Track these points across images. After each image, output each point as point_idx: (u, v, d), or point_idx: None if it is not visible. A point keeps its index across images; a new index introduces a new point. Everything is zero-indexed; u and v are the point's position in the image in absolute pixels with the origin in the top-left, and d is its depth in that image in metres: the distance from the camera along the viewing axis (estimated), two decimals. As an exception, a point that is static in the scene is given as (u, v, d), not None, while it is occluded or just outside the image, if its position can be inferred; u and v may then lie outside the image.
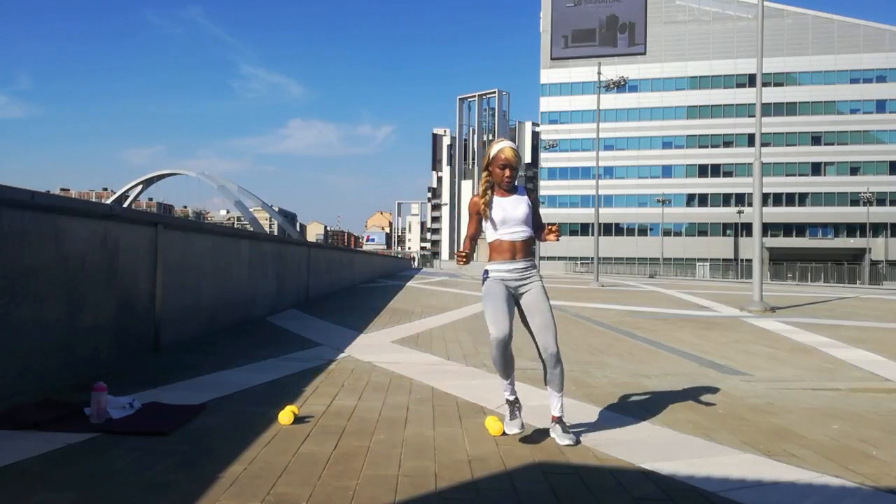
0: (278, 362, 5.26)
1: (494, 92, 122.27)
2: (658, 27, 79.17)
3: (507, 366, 3.26)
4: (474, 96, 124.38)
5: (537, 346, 3.27)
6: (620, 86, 37.32)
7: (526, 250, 3.28)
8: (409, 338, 7.15)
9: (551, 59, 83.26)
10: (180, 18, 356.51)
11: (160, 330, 5.53)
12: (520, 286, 3.26)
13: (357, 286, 19.48)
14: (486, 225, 3.28)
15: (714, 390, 4.53)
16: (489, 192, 3.27)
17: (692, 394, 4.37)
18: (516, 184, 3.31)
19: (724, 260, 69.92)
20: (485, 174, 3.29)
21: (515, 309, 3.28)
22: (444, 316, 10.08)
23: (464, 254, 3.26)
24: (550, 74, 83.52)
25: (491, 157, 3.25)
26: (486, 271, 3.28)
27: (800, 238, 74.41)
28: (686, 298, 16.86)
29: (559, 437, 3.11)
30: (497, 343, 3.19)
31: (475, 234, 3.36)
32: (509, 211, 3.24)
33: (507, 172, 3.21)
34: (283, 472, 2.54)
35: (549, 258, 75.32)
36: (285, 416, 3.26)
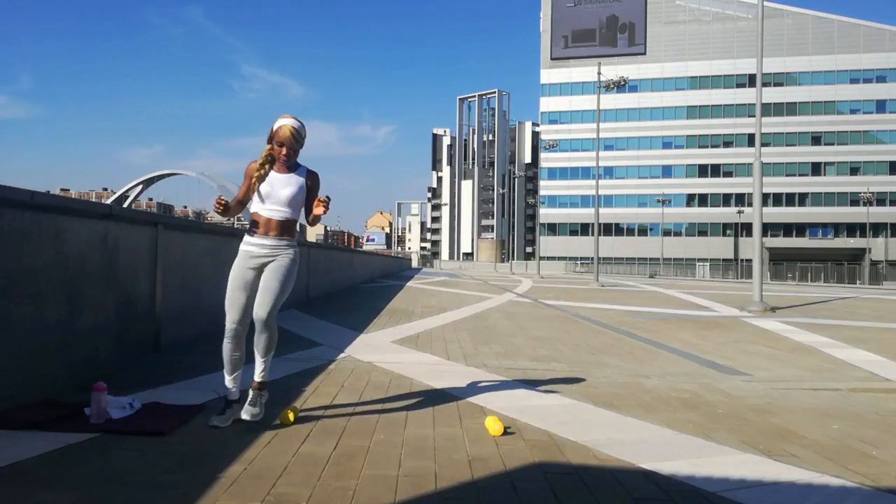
0: (278, 362, 5.23)
1: (494, 92, 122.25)
2: (658, 27, 79.17)
3: (234, 358, 3.34)
4: (474, 96, 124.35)
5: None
6: (620, 86, 37.24)
7: (280, 229, 3.31)
8: (409, 338, 7.15)
9: (551, 59, 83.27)
10: (180, 18, 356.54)
11: (160, 330, 5.53)
12: (266, 262, 3.31)
13: (357, 286, 19.48)
14: (254, 195, 3.31)
15: (714, 390, 4.53)
16: (267, 165, 3.30)
17: (692, 394, 4.37)
18: (300, 164, 3.38)
19: (724, 260, 69.96)
20: (268, 147, 3.31)
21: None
22: (444, 316, 10.07)
23: (222, 203, 3.24)
24: (550, 74, 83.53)
25: (274, 130, 3.28)
26: (243, 240, 3.35)
27: (800, 238, 74.41)
28: (686, 298, 16.86)
29: (244, 412, 3.22)
30: (228, 332, 3.30)
31: (243, 199, 3.37)
32: (277, 189, 3.29)
33: (284, 150, 3.26)
34: (283, 473, 2.53)
35: (549, 258, 75.36)
36: (285, 416, 3.26)
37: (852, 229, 72.71)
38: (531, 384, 4.56)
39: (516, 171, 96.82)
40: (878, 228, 71.06)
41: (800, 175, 74.58)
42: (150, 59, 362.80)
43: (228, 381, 3.33)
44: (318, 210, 3.28)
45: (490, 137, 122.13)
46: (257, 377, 3.35)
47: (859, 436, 3.36)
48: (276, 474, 2.51)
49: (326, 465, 2.66)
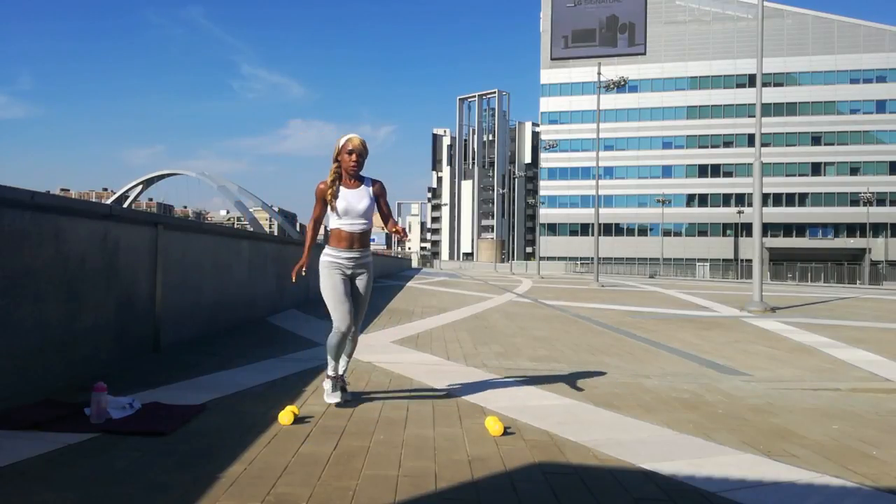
0: (278, 362, 5.26)
1: (494, 92, 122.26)
2: (658, 27, 79.17)
3: (340, 350, 3.73)
4: (474, 96, 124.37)
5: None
6: (620, 86, 37.21)
7: (363, 240, 3.67)
8: (409, 338, 7.15)
9: (551, 59, 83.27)
10: (180, 18, 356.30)
11: (160, 330, 5.53)
12: (354, 273, 3.69)
13: (357, 286, 19.46)
14: (329, 212, 3.63)
15: (714, 390, 4.53)
16: (337, 181, 3.61)
17: (692, 394, 4.37)
18: (364, 175, 3.67)
19: (724, 260, 69.95)
20: (334, 165, 3.62)
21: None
22: (444, 316, 10.07)
23: (302, 271, 3.71)
24: (550, 75, 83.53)
25: (340, 145, 3.59)
26: (326, 254, 3.66)
27: (800, 238, 74.40)
28: (686, 298, 16.86)
29: (328, 396, 3.72)
30: (340, 334, 3.65)
31: (319, 218, 3.75)
32: (353, 203, 3.59)
33: (354, 157, 3.57)
34: (283, 473, 2.53)
35: (549, 258, 75.37)
36: (285, 416, 3.26)
37: (852, 229, 72.70)
38: (531, 384, 4.56)
39: (516, 171, 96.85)
40: (878, 228, 71.05)
41: (800, 175, 74.57)
42: (150, 59, 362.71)
43: (332, 366, 3.75)
44: (393, 230, 3.58)
45: (490, 137, 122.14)
46: (343, 371, 3.82)
47: (859, 436, 3.36)
48: (276, 474, 2.51)
49: (326, 465, 2.66)
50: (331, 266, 3.63)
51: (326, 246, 3.67)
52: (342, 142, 3.59)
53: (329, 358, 3.74)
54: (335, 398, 3.69)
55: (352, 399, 3.80)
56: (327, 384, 3.76)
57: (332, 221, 3.63)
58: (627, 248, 78.08)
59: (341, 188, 3.60)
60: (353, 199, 3.59)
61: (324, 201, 3.62)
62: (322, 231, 3.87)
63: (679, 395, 4.34)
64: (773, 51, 65.62)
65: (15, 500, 2.21)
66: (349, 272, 3.66)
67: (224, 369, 4.81)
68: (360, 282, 3.70)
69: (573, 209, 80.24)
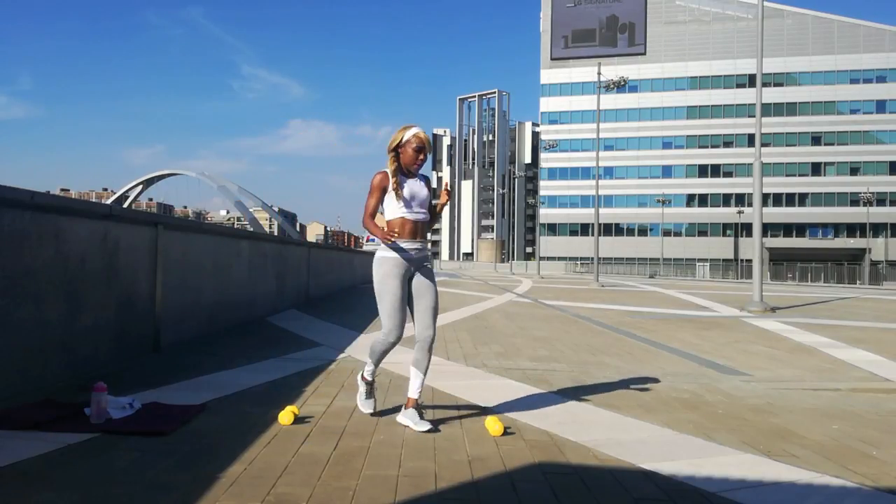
0: (278, 362, 5.26)
1: (494, 92, 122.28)
2: (658, 27, 79.17)
3: (383, 357, 3.52)
4: (474, 96, 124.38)
5: (415, 326, 3.41)
6: (620, 86, 37.22)
7: (424, 232, 3.39)
8: (409, 338, 7.13)
9: (551, 59, 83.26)
10: (180, 19, 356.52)
11: (160, 330, 5.53)
12: (417, 268, 3.38)
13: (357, 286, 19.49)
14: (389, 202, 3.34)
15: (714, 390, 4.53)
16: (399, 172, 3.37)
17: (692, 394, 4.37)
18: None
19: (724, 260, 69.93)
20: (392, 155, 3.37)
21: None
22: (444, 316, 10.07)
23: (394, 233, 3.26)
24: (550, 75, 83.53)
25: (403, 139, 3.34)
26: (383, 248, 3.34)
27: (800, 238, 74.41)
28: (686, 298, 16.86)
29: (416, 425, 3.25)
30: (389, 344, 3.40)
31: (374, 212, 3.39)
32: (415, 191, 3.36)
33: (421, 155, 3.35)
34: (283, 473, 2.53)
35: (549, 258, 75.38)
36: (285, 416, 3.26)
37: (852, 229, 72.70)
38: (531, 384, 4.56)
39: (516, 171, 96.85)
40: (878, 228, 71.05)
41: (800, 175, 74.57)
42: (151, 60, 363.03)
43: (371, 369, 3.54)
44: (443, 199, 3.37)
45: (490, 137, 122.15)
46: (415, 395, 3.36)
47: (859, 436, 3.36)
48: (276, 474, 2.51)
49: (326, 465, 2.66)
50: (391, 263, 3.30)
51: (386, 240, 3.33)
52: (407, 135, 3.32)
53: (369, 360, 3.50)
54: (369, 407, 3.48)
55: (431, 428, 3.24)
56: (362, 387, 3.53)
57: (393, 211, 3.31)
58: (627, 248, 78.07)
59: (406, 178, 3.37)
60: (416, 186, 3.35)
61: (382, 192, 3.32)
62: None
63: (679, 395, 4.34)
64: (773, 51, 65.61)
65: (15, 500, 2.21)
66: (412, 267, 3.34)
67: (224, 369, 4.81)
68: (427, 274, 3.38)
69: (573, 209, 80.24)
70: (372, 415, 3.49)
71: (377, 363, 3.53)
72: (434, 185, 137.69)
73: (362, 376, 3.55)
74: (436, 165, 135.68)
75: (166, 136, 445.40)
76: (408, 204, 3.31)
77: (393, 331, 3.33)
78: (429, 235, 3.47)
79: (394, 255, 3.31)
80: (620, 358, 6.08)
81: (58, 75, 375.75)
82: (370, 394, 3.54)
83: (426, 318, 3.35)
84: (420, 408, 3.36)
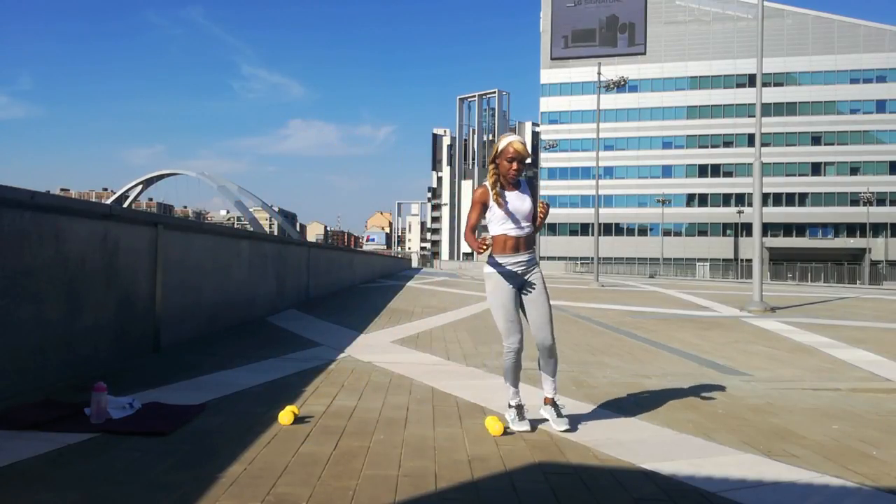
0: (278, 362, 5.26)
1: (494, 92, 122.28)
2: (658, 27, 79.15)
3: (517, 372, 3.41)
4: (474, 96, 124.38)
5: (535, 336, 3.41)
6: (620, 86, 37.28)
7: (528, 244, 3.37)
8: (409, 338, 7.15)
9: (551, 59, 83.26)
10: (181, 19, 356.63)
11: (160, 330, 5.53)
12: (524, 280, 3.36)
13: (357, 286, 19.48)
14: (491, 217, 3.34)
15: (714, 390, 4.53)
16: (498, 185, 3.32)
17: (692, 394, 4.37)
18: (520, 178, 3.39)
19: (724, 260, 69.91)
20: (492, 167, 3.35)
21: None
22: (444, 316, 10.07)
23: (485, 245, 3.25)
24: (550, 74, 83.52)
25: (499, 149, 3.31)
26: (492, 264, 3.36)
27: (800, 238, 74.40)
28: (686, 298, 16.85)
29: (554, 422, 3.31)
30: (512, 353, 3.37)
31: (475, 225, 3.39)
32: (517, 205, 3.32)
33: (515, 165, 3.29)
34: (283, 473, 2.53)
35: (549, 258, 75.35)
36: (285, 416, 3.26)
37: (852, 229, 72.69)
38: (531, 384, 4.56)
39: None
40: (878, 228, 71.04)
41: (800, 175, 74.56)
42: (151, 60, 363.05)
43: (512, 392, 3.41)
44: (541, 210, 3.37)
45: (490, 137, 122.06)
46: (549, 393, 3.44)
47: (859, 436, 3.36)
48: (276, 474, 2.51)
49: (326, 465, 2.66)
50: (499, 277, 3.33)
51: (491, 256, 3.36)
52: (502, 145, 3.31)
53: (507, 384, 3.40)
54: (523, 426, 3.30)
55: (569, 428, 3.30)
56: (510, 414, 3.38)
57: (495, 227, 3.34)
58: (627, 248, 78.06)
59: (504, 192, 3.32)
60: (517, 201, 3.31)
61: (483, 206, 3.32)
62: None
63: (679, 395, 4.34)
64: (773, 51, 65.58)
65: (15, 500, 2.21)
66: (521, 279, 3.35)
67: (224, 369, 4.81)
68: (536, 282, 3.36)
69: (573, 209, 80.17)
70: (524, 432, 3.29)
71: (513, 383, 3.40)
72: (434, 185, 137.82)
73: (508, 404, 3.42)
74: (436, 165, 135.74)
75: (166, 136, 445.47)
76: (510, 219, 3.31)
77: (508, 337, 3.36)
78: (534, 245, 3.45)
79: (501, 269, 3.35)
80: (620, 358, 6.08)
81: (58, 75, 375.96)
82: (521, 416, 3.36)
83: (539, 326, 3.37)
84: (557, 407, 3.40)
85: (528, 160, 3.35)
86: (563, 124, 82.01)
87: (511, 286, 3.35)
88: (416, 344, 6.67)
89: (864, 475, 2.69)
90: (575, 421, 3.44)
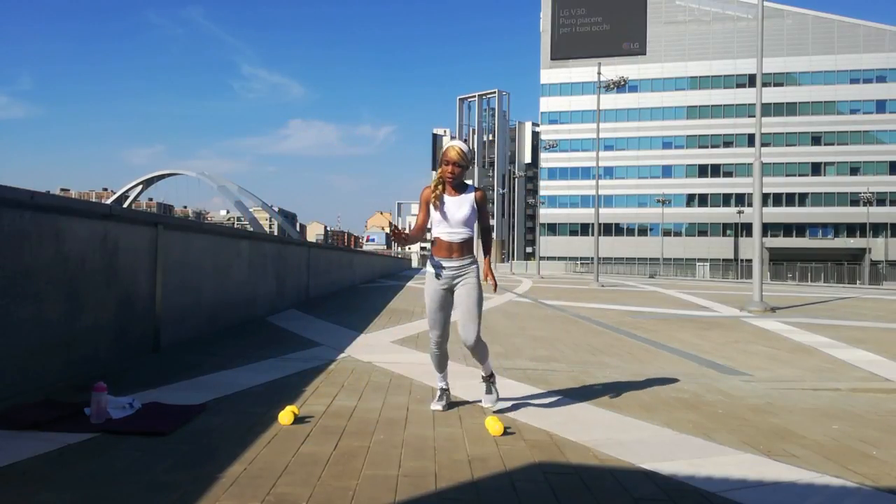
0: (278, 362, 5.25)
1: (494, 92, 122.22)
2: (658, 27, 79.16)
3: (441, 362, 3.75)
4: (474, 96, 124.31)
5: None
6: (620, 86, 37.24)
7: (462, 249, 3.56)
8: (409, 338, 7.15)
9: (551, 59, 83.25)
10: (181, 19, 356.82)
11: (160, 330, 5.53)
12: (455, 282, 3.57)
13: (357, 286, 19.49)
14: (432, 218, 3.55)
15: (714, 390, 4.53)
16: (440, 187, 3.52)
17: (692, 394, 4.37)
18: (468, 183, 3.60)
19: (724, 260, 69.94)
20: (438, 170, 3.57)
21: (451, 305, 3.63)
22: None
23: (403, 235, 3.44)
24: (550, 75, 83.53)
25: (442, 152, 3.55)
26: (431, 263, 3.61)
27: (800, 238, 74.41)
28: (686, 298, 16.85)
29: (483, 399, 3.79)
30: (433, 346, 3.70)
31: (422, 224, 3.60)
32: (452, 212, 3.51)
33: (450, 168, 3.49)
34: (283, 473, 2.53)
35: (549, 258, 75.39)
36: (285, 416, 3.26)
37: (852, 229, 72.71)
38: (531, 384, 4.57)
39: (516, 171, 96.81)
40: (878, 228, 71.05)
41: (800, 175, 74.57)
42: (151, 60, 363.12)
43: (438, 377, 3.78)
44: (488, 276, 3.68)
45: (490, 137, 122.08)
46: (483, 373, 3.80)
47: (859, 436, 3.36)
48: (276, 474, 2.51)
49: (326, 465, 2.66)
50: (431, 276, 3.58)
51: (431, 255, 3.63)
52: (443, 149, 3.56)
53: (434, 370, 3.80)
54: (437, 405, 3.71)
55: (495, 399, 3.78)
56: (435, 395, 3.84)
57: (434, 228, 3.58)
58: (627, 248, 78.07)
59: (444, 196, 3.52)
60: (453, 206, 3.50)
61: (427, 206, 3.55)
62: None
63: (679, 395, 4.34)
64: (773, 51, 65.60)
65: (15, 500, 2.21)
66: (451, 282, 3.56)
67: (224, 369, 4.81)
68: (463, 288, 3.55)
69: (573, 209, 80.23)
70: (435, 410, 3.68)
71: (437, 369, 3.77)
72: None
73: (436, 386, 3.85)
74: (436, 165, 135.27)
75: (166, 136, 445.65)
76: (444, 222, 3.52)
77: (430, 331, 3.66)
78: (470, 251, 3.60)
79: (432, 270, 3.58)
80: (620, 358, 6.08)
81: (58, 75, 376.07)
82: (439, 398, 3.77)
83: (461, 325, 3.54)
84: (490, 384, 3.79)
85: (466, 166, 3.51)
86: (563, 124, 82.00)
87: (439, 285, 3.56)
88: (416, 344, 6.67)
89: (864, 475, 2.69)
90: (574, 420, 3.44)
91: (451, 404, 3.78)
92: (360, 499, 2.29)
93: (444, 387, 3.78)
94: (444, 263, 3.53)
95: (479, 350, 3.62)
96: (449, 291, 3.57)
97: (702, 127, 77.57)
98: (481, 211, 3.58)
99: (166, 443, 2.90)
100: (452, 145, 3.54)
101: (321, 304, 11.69)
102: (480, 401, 3.89)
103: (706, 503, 2.36)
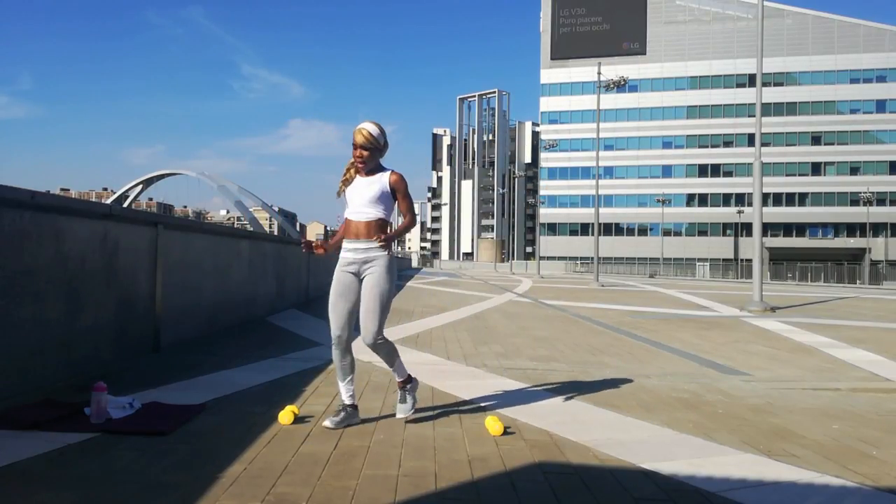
0: (278, 362, 5.25)
1: (494, 92, 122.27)
2: (658, 27, 79.16)
3: (343, 366, 3.33)
4: (474, 96, 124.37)
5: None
6: (620, 86, 37.26)
7: (368, 231, 3.28)
8: (409, 338, 7.15)
9: (551, 59, 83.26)
10: (181, 18, 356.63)
11: (160, 330, 5.53)
12: (363, 269, 3.30)
13: (357, 286, 19.45)
14: (346, 201, 3.37)
15: (714, 390, 4.53)
16: (352, 170, 3.37)
17: (692, 394, 4.37)
18: (385, 166, 3.40)
19: (724, 260, 69.95)
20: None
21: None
22: (444, 316, 10.07)
23: (317, 244, 3.40)
24: (550, 74, 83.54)
25: (353, 136, 3.34)
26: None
27: (800, 238, 74.42)
28: (686, 298, 16.85)
29: (396, 408, 3.47)
30: (333, 340, 3.31)
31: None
32: (359, 192, 3.32)
33: (357, 152, 3.29)
34: (283, 472, 2.53)
35: (549, 258, 75.39)
36: (285, 416, 3.26)
37: (852, 229, 72.72)
38: (531, 384, 4.57)
39: (516, 171, 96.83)
40: (878, 228, 71.05)
41: (800, 175, 74.59)
42: (151, 60, 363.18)
43: (341, 386, 3.35)
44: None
45: (490, 137, 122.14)
46: (397, 378, 3.49)
47: (859, 436, 3.36)
48: (276, 474, 2.51)
49: (326, 465, 2.66)
50: (339, 261, 3.34)
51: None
52: (354, 131, 3.34)
53: (337, 377, 3.38)
54: (326, 422, 3.24)
55: (410, 409, 3.46)
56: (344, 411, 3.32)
57: (345, 211, 3.38)
58: (627, 247, 78.08)
59: (356, 177, 3.35)
60: (361, 186, 3.31)
61: (345, 185, 3.40)
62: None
63: (679, 395, 4.34)
64: (773, 51, 65.60)
65: (15, 500, 2.21)
66: (356, 267, 3.29)
67: (224, 369, 4.81)
68: (368, 279, 3.26)
69: (573, 209, 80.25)
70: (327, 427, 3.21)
71: (339, 377, 3.34)
72: (434, 184, 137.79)
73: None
74: (436, 165, 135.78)
75: (166, 136, 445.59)
76: (352, 202, 3.33)
77: (330, 325, 3.31)
78: (381, 234, 3.28)
79: (342, 253, 3.35)
80: (620, 358, 6.08)
81: (58, 75, 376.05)
82: (335, 413, 3.30)
83: (361, 320, 3.25)
84: (404, 392, 3.49)
85: (375, 148, 3.28)
86: (563, 124, 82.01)
87: (344, 272, 3.31)
88: (416, 344, 6.67)
89: (865, 475, 2.69)
90: (574, 420, 3.43)
91: (363, 421, 3.33)
92: (360, 499, 2.29)
93: (347, 402, 3.30)
94: (349, 245, 3.30)
95: (381, 351, 3.31)
96: (355, 277, 3.29)
97: (702, 127, 77.59)
98: (397, 195, 3.34)
99: (166, 443, 2.90)
100: (360, 127, 3.30)
101: (321, 303, 11.66)
102: (479, 401, 3.89)
103: (706, 503, 2.36)
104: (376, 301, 3.24)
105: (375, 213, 3.29)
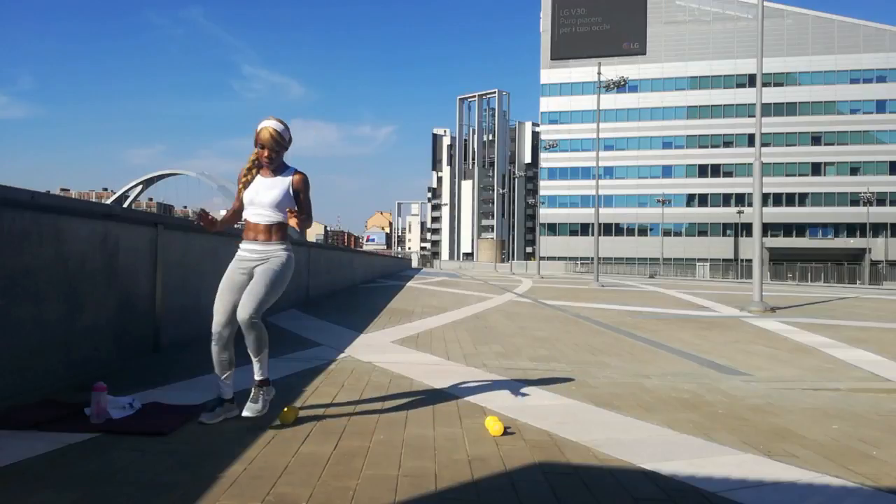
0: (278, 362, 5.25)
1: (494, 92, 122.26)
2: (658, 27, 79.18)
3: (221, 359, 3.30)
4: (474, 96, 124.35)
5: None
6: (620, 86, 37.27)
7: (268, 233, 3.29)
8: (409, 338, 7.15)
9: (551, 59, 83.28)
10: (181, 19, 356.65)
11: (160, 330, 5.53)
12: (256, 266, 3.29)
13: (357, 286, 19.48)
14: (244, 200, 3.35)
15: (714, 390, 4.53)
16: (254, 170, 3.34)
17: (692, 394, 4.37)
18: (289, 165, 3.38)
19: (724, 260, 69.97)
20: (254, 151, 3.33)
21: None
22: (444, 316, 10.07)
23: (210, 218, 3.38)
24: (550, 74, 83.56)
25: (256, 133, 3.28)
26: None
27: (800, 238, 74.43)
28: (686, 298, 16.85)
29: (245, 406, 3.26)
30: (213, 334, 3.28)
31: (237, 208, 3.42)
32: (261, 193, 3.29)
33: (265, 153, 3.26)
34: (283, 472, 2.53)
35: (549, 258, 75.37)
36: (285, 416, 3.26)
37: (852, 229, 72.72)
38: (531, 384, 4.56)
39: (516, 171, 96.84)
40: (878, 228, 71.05)
41: (800, 175, 74.60)
42: (151, 60, 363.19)
43: (219, 381, 3.33)
44: (291, 222, 3.20)
45: (490, 137, 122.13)
46: (256, 376, 3.34)
47: (859, 436, 3.36)
48: (276, 474, 2.51)
49: (326, 465, 2.66)
50: (234, 259, 3.33)
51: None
52: (257, 129, 3.26)
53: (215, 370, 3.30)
54: (207, 418, 3.18)
55: (261, 410, 3.28)
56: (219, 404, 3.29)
57: (245, 211, 3.35)
58: (627, 248, 78.10)
59: (257, 177, 3.32)
60: (264, 188, 3.27)
61: (243, 185, 3.35)
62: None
63: (679, 395, 4.34)
64: (773, 51, 65.62)
65: (15, 500, 2.21)
66: (252, 265, 3.28)
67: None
68: (259, 268, 3.26)
69: (573, 209, 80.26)
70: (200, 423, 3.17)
71: (216, 370, 3.29)
72: (434, 185, 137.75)
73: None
74: (436, 165, 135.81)
75: (166, 136, 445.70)
76: (251, 204, 3.31)
77: (214, 319, 3.27)
78: (280, 237, 3.30)
79: (238, 252, 3.35)
80: (620, 358, 6.08)
81: (58, 75, 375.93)
82: (209, 409, 3.24)
83: (242, 301, 3.20)
84: (258, 390, 3.32)
85: (281, 148, 3.26)
86: (563, 124, 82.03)
87: (237, 271, 3.29)
88: (416, 344, 6.67)
89: (865, 475, 2.69)
90: (574, 420, 3.43)
91: (237, 419, 3.27)
92: (360, 499, 2.29)
93: (224, 395, 3.26)
94: (247, 246, 3.29)
95: (251, 332, 3.17)
96: (248, 276, 3.27)
97: (702, 127, 77.60)
98: (298, 197, 3.30)
99: (166, 443, 2.90)
100: (266, 126, 3.22)
101: (321, 304, 11.69)
102: (479, 401, 3.88)
103: (706, 503, 2.36)
104: (262, 287, 3.20)
105: (276, 216, 3.29)
